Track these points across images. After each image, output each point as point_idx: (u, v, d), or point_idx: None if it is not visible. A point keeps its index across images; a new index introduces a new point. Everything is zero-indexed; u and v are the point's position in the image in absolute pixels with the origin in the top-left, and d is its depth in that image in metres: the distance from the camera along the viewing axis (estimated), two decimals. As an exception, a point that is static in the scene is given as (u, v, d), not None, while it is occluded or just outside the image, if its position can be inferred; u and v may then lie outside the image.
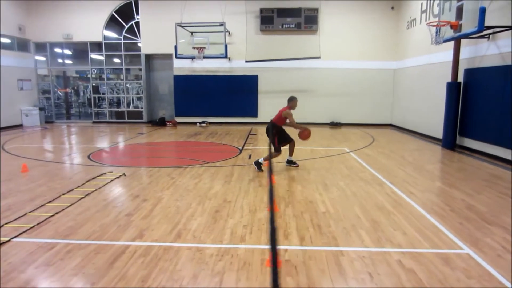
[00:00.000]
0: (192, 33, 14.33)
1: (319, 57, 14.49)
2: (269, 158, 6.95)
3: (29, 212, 4.79)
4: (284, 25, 15.00)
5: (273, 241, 2.74)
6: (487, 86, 8.91)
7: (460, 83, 9.91)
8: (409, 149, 9.95)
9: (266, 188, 5.98)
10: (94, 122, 16.73)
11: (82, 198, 5.41)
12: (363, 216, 4.70)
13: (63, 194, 5.60)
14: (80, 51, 16.84)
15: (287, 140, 7.42)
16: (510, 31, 7.95)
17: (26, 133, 13.27)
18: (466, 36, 8.42)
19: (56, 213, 4.76)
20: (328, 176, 6.81)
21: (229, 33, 15.02)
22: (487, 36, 8.84)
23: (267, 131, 7.36)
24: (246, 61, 14.78)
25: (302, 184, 6.24)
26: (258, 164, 7.12)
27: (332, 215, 4.77)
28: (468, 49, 9.77)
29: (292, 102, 7.30)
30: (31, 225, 4.34)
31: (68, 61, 17.82)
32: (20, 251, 3.69)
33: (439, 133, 10.85)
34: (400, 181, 6.49)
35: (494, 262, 3.51)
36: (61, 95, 18.34)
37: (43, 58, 16.61)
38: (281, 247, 3.79)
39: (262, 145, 10.46)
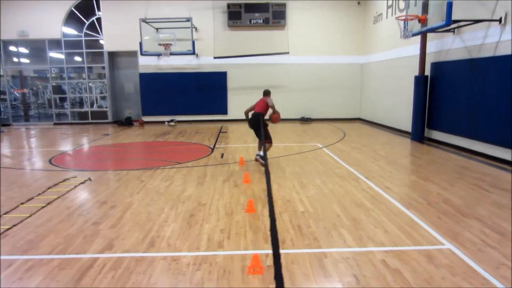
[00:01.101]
0: (157, 29, 13.82)
1: (287, 53, 14.41)
2: (265, 150, 6.64)
3: (-18, 226, 4.34)
4: (252, 21, 14.80)
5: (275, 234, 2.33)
6: (453, 79, 9.13)
7: (427, 76, 10.11)
8: (380, 143, 10.06)
9: (242, 188, 5.78)
10: (55, 124, 15.86)
11: (43, 207, 4.98)
12: (342, 214, 4.61)
13: (22, 203, 5.15)
14: (38, 49, 15.86)
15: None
16: (474, 24, 8.14)
17: (-20, 137, 12.33)
18: (434, 30, 8.55)
19: (14, 225, 4.34)
20: (304, 174, 6.70)
21: (196, 29, 14.63)
22: (452, 30, 9.04)
23: (255, 123, 7.23)
24: (214, 57, 14.46)
25: (278, 183, 6.09)
26: (261, 157, 7.31)
27: (312, 214, 4.64)
28: (434, 43, 9.98)
29: (270, 93, 7.74)
30: (-15, 241, 3.92)
31: (24, 60, 16.74)
32: (-29, 272, 3.29)
33: (407, 126, 11.05)
34: (376, 176, 6.48)
35: (476, 257, 3.50)
36: (18, 96, 17.24)
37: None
38: (262, 251, 3.61)
39: (233, 143, 10.24)
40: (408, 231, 4.09)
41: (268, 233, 4.07)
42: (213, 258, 3.51)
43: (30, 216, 4.65)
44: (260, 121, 7.11)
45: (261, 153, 7.38)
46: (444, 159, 7.99)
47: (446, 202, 5.09)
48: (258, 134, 7.33)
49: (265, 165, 4.79)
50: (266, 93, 7.66)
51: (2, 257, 3.57)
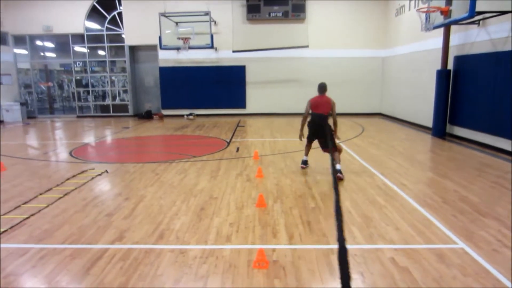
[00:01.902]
0: (176, 23, 13.92)
1: (307, 46, 14.24)
2: (337, 158, 6.06)
3: (2, 215, 4.52)
4: (271, 14, 14.67)
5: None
6: (477, 74, 8.80)
7: (450, 70, 9.79)
8: (399, 139, 9.83)
9: (254, 183, 5.77)
10: (78, 117, 16.29)
11: (60, 197, 5.14)
12: (354, 211, 4.54)
13: (41, 194, 5.33)
14: (63, 43, 16.28)
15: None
16: (500, 16, 7.79)
17: (7, 129, 12.82)
18: (457, 22, 8.26)
19: (32, 215, 4.50)
20: (318, 169, 6.63)
21: (215, 22, 14.64)
22: (477, 22, 8.68)
23: (320, 127, 6.06)
24: (233, 51, 14.45)
25: (291, 178, 6.05)
26: (339, 172, 5.95)
27: (322, 210, 4.59)
28: (458, 36, 9.62)
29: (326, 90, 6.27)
30: (4, 229, 4.07)
31: (50, 54, 17.24)
32: (-11, 259, 3.43)
33: (429, 121, 10.74)
34: (391, 172, 6.35)
35: (490, 258, 3.37)
36: (44, 89, 17.79)
37: (24, 52, 16.03)
38: (269, 246, 3.60)
39: (250, 137, 10.24)
40: (420, 229, 3.98)
41: (277, 227, 4.06)
42: (220, 252, 3.52)
43: (47, 206, 4.80)
44: (327, 125, 5.99)
45: (338, 166, 5.99)
46: (465, 156, 7.73)
47: (463, 200, 4.93)
48: (323, 142, 6.19)
49: (334, 180, 4.55)
50: (324, 89, 6.22)
51: (19, 245, 3.71)
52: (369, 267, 3.21)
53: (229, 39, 14.64)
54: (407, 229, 4.00)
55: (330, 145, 5.98)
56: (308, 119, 6.33)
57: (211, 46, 13.66)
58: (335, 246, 3.61)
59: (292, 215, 4.44)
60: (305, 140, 6.59)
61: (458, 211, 4.55)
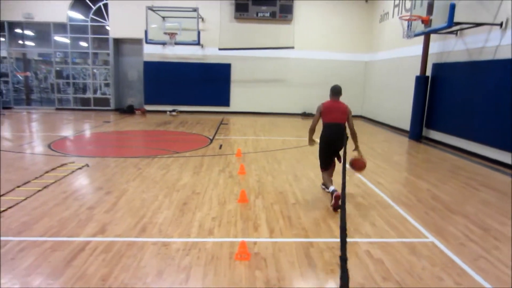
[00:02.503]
0: (163, 17, 13.83)
1: (293, 47, 14.40)
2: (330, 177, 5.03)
3: (-20, 206, 4.45)
4: (259, 14, 14.77)
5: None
6: (453, 81, 9.15)
7: (428, 77, 10.13)
8: (378, 141, 10.11)
9: (237, 179, 5.86)
10: (57, 109, 15.96)
11: (39, 190, 5.08)
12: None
13: (18, 186, 5.25)
14: (43, 32, 15.89)
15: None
16: (476, 28, 8.12)
17: (-18, 120, 12.46)
18: (436, 31, 8.57)
19: (9, 207, 4.44)
20: (299, 167, 6.78)
21: (203, 19, 14.62)
22: (455, 32, 9.03)
23: (338, 139, 4.84)
24: (220, 49, 14.48)
25: (273, 175, 6.17)
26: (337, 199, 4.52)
27: (302, 206, 4.73)
28: (437, 44, 9.97)
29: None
30: (-18, 220, 4.02)
31: (29, 43, 16.79)
32: (-33, 249, 3.40)
33: (407, 125, 11.08)
34: (369, 172, 6.55)
35: (456, 250, 3.59)
36: (21, 79, 17.33)
37: (1, 39, 15.56)
38: (250, 239, 3.70)
39: (233, 135, 10.31)
40: (394, 225, 4.17)
41: (258, 222, 4.16)
42: (203, 244, 3.60)
43: (25, 199, 4.75)
44: (345, 138, 4.84)
45: (331, 187, 4.73)
46: (439, 158, 8.05)
47: (435, 199, 5.16)
48: (331, 158, 5.02)
49: (342, 197, 3.12)
50: (339, 92, 5.03)
51: (-2, 236, 3.68)
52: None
53: (216, 36, 14.65)
54: (382, 225, 4.17)
55: (341, 159, 4.84)
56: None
57: (198, 43, 13.64)
58: (314, 240, 3.76)
59: (273, 210, 4.55)
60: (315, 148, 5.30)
61: (430, 208, 4.77)
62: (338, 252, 3.47)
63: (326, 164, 5.07)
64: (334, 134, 4.88)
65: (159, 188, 5.33)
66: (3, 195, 4.87)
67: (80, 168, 6.27)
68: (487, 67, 7.85)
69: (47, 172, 6.00)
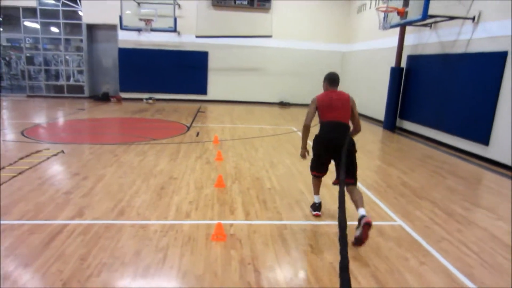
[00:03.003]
0: (139, 3, 13.55)
1: (270, 36, 14.44)
2: (359, 198, 3.64)
3: (-49, 191, 4.37)
4: (237, 1, 14.69)
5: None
6: (426, 73, 9.48)
7: (403, 68, 10.44)
8: (352, 130, 10.38)
9: (214, 165, 5.95)
10: (28, 96, 15.46)
11: (14, 176, 5.02)
12: (307, 192, 4.87)
13: (-8, 171, 5.17)
14: (11, 16, 15.27)
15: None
16: (450, 21, 8.42)
17: None
18: (411, 23, 8.83)
19: (-16, 191, 4.39)
20: (275, 155, 6.93)
21: (179, 5, 14.42)
22: (429, 24, 9.32)
23: (337, 146, 3.69)
24: (196, 36, 14.35)
25: (250, 162, 6.30)
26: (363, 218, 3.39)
27: (278, 191, 4.89)
28: (412, 36, 10.26)
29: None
30: (-46, 205, 3.97)
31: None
32: None
33: (381, 115, 11.41)
34: (343, 159, 6.77)
35: (421, 232, 3.83)
36: (-11, 65, 16.65)
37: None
38: (226, 222, 3.82)
39: (210, 123, 10.35)
40: (365, 209, 4.37)
41: (235, 205, 4.29)
42: (180, 226, 3.70)
43: (0, 185, 4.69)
44: (350, 141, 3.74)
45: (361, 210, 3.51)
46: (410, 147, 8.39)
47: (405, 185, 5.43)
48: (328, 161, 3.98)
49: (342, 228, 2.60)
50: (337, 81, 4.04)
51: (-28, 220, 3.65)
52: (317, 239, 3.54)
53: (193, 23, 14.50)
54: (353, 208, 4.37)
55: (351, 173, 3.71)
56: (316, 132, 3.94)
57: (174, 30, 13.48)
58: (288, 222, 3.92)
59: (249, 194, 4.68)
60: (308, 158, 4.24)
61: (399, 194, 5.03)
62: (311, 234, 3.66)
63: (320, 168, 4.02)
64: (334, 135, 3.75)
65: (136, 173, 5.36)
66: (-25, 180, 4.79)
67: (55, 155, 6.20)
68: (458, 59, 8.18)
69: (21, 158, 5.89)
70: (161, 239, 3.41)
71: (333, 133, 3.80)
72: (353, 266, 3.10)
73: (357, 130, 4.05)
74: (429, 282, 2.94)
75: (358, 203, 3.58)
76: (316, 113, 3.96)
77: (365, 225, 3.26)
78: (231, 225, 3.77)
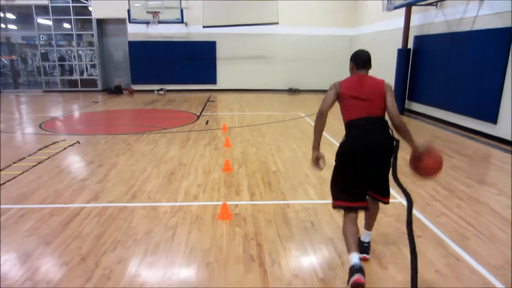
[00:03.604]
0: (146, -4, 13.74)
1: (277, 23, 14.43)
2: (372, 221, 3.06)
3: (-23, 181, 4.69)
4: (242, -10, 14.69)
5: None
6: (434, 53, 9.41)
7: (410, 49, 10.37)
8: (361, 113, 10.42)
9: (222, 151, 6.15)
10: (45, 91, 15.92)
11: (34, 166, 5.33)
12: (311, 174, 5.03)
13: (14, 162, 5.48)
14: (25, 15, 15.66)
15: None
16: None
17: (-31, 103, 12.46)
18: (415, 3, 8.77)
19: (8, 180, 4.70)
20: (282, 139, 7.08)
21: (185, -3, 14.54)
22: (435, 3, 9.23)
23: (378, 150, 2.70)
24: (204, 27, 14.45)
25: (257, 147, 6.48)
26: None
27: (282, 173, 5.06)
28: (418, 16, 10.17)
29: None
30: (-20, 193, 4.28)
31: (11, 26, 16.54)
32: (-30, 217, 3.67)
33: (389, 97, 11.36)
34: (349, 142, 6.89)
35: (422, 209, 3.96)
36: (6, 63, 17.17)
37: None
38: (232, 202, 4.03)
39: (220, 111, 10.54)
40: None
41: (240, 187, 4.48)
42: (188, 207, 3.92)
43: (22, 173, 5.00)
44: (393, 146, 2.75)
45: (365, 236, 3.05)
46: (419, 129, 8.41)
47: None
48: (381, 183, 2.91)
49: (412, 249, 2.40)
50: (368, 62, 2.88)
51: (-3, 205, 3.95)
52: (318, 217, 3.71)
53: (200, 14, 14.58)
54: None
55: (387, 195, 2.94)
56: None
57: (181, 21, 13.64)
58: (292, 202, 4.10)
59: (255, 177, 4.87)
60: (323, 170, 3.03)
61: (403, 174, 5.06)
62: (313, 212, 3.83)
63: (352, 197, 2.73)
64: (370, 140, 2.62)
65: (147, 160, 5.61)
66: (1, 170, 5.12)
67: (71, 145, 6.50)
68: (465, 38, 8.11)
69: (40, 149, 6.21)
70: (170, 219, 3.64)
71: (372, 135, 2.61)
72: (351, 239, 3.27)
73: (397, 126, 2.67)
74: (424, 253, 3.08)
75: (370, 224, 3.06)
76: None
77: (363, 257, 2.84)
78: (236, 205, 3.97)
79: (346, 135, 2.75)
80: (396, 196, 4.30)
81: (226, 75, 15.64)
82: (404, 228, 3.50)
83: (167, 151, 6.17)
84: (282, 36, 15.44)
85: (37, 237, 3.28)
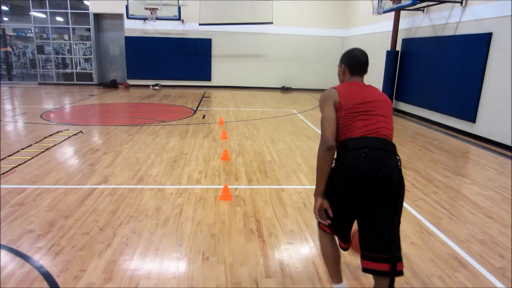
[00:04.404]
0: (144, -8, 14.00)
1: (271, 23, 14.84)
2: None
3: (-9, 164, 4.99)
4: (238, -11, 15.06)
5: None
6: (420, 55, 9.94)
7: (398, 51, 10.88)
8: (350, 112, 10.90)
9: (219, 143, 6.54)
10: (40, 84, 16.06)
11: (42, 152, 5.64)
12: (303, 164, 5.45)
13: (22, 149, 5.78)
14: (20, 7, 15.78)
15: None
16: (441, 4, 8.84)
17: (-34, 93, 12.59)
18: (403, 8, 9.26)
19: (19, 164, 5.01)
20: (276, 133, 7.49)
21: (182, -6, 14.84)
22: (422, 9, 9.74)
23: (386, 181, 1.91)
24: (200, 24, 14.79)
25: (252, 139, 6.87)
26: None
27: (277, 162, 5.47)
28: (406, 21, 10.69)
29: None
30: (-4, 174, 4.59)
31: (5, 19, 16.64)
32: (-9, 195, 3.99)
33: (378, 97, 11.87)
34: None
35: (401, 194, 4.40)
36: (1, 55, 17.25)
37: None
38: (232, 186, 4.42)
39: (215, 107, 10.91)
40: None
41: (239, 174, 4.88)
42: (192, 190, 4.30)
43: (31, 158, 5.31)
44: (402, 180, 1.99)
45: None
46: (404, 126, 8.91)
47: (392, 157, 5.99)
48: (379, 223, 1.97)
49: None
50: (365, 66, 2.23)
51: (15, 186, 4.27)
52: (310, 199, 4.13)
53: (196, 11, 14.91)
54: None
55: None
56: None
57: (179, 18, 13.94)
58: (286, 186, 4.51)
59: (252, 166, 5.27)
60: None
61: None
62: (305, 195, 4.25)
63: (342, 229, 2.22)
64: (380, 169, 1.93)
65: (150, 149, 5.96)
66: (10, 155, 5.41)
67: (75, 134, 6.81)
68: (448, 42, 8.63)
69: (45, 137, 6.51)
70: (177, 199, 4.02)
71: (382, 163, 1.95)
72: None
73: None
74: (401, 230, 3.51)
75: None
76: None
77: None
78: (236, 189, 4.37)
79: (343, 158, 2.03)
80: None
81: (221, 72, 16.00)
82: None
83: (168, 141, 6.52)
84: (276, 35, 15.86)
85: (56, 212, 3.62)
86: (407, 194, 4.37)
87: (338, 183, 2.02)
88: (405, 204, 4.11)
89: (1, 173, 4.65)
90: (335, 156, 2.05)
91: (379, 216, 1.96)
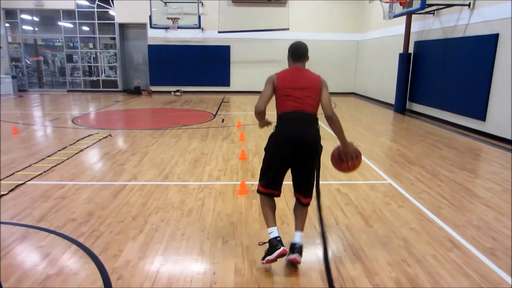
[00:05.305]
0: (166, 3, 14.70)
1: (287, 29, 15.29)
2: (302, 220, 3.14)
3: (33, 164, 5.59)
4: (255, -3, 15.59)
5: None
6: (431, 57, 10.14)
7: (410, 54, 11.10)
8: (365, 114, 11.18)
9: (238, 144, 6.98)
10: (68, 91, 16.99)
11: (77, 153, 6.22)
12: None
13: (59, 150, 6.38)
14: (48, 18, 16.76)
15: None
16: (450, 8, 9.06)
17: (2, 100, 13.51)
18: (413, 12, 9.52)
19: (58, 164, 5.58)
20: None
21: (202, 3, 15.47)
22: (432, 12, 9.96)
23: (300, 147, 2.85)
24: (219, 32, 15.37)
25: (257, 142, 7.27)
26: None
27: (291, 161, 5.85)
28: (417, 24, 10.91)
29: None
30: (39, 173, 5.16)
31: (29, 28, 17.64)
32: (36, 190, 4.54)
33: (393, 99, 12.11)
34: (351, 137, 7.62)
35: (406, 188, 4.72)
36: (30, 64, 18.29)
37: (7, 25, 16.43)
38: (249, 182, 4.84)
39: (234, 111, 11.39)
40: (362, 172, 5.30)
41: (255, 172, 5.30)
42: (212, 185, 4.74)
43: (68, 158, 5.89)
44: (317, 141, 2.95)
45: (297, 238, 2.98)
46: (415, 126, 9.14)
47: (401, 155, 6.28)
48: (304, 176, 3.04)
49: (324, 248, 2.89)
50: (304, 52, 3.16)
51: (56, 182, 4.82)
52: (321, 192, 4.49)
53: (215, 20, 15.52)
54: (352, 172, 5.30)
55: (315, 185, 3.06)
56: (272, 124, 3.01)
57: (199, 27, 14.55)
58: (297, 182, 4.89)
59: (254, 162, 5.66)
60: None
61: (395, 161, 5.89)
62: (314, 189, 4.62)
63: (273, 182, 3.01)
64: (298, 133, 2.78)
65: (173, 150, 6.46)
66: (48, 156, 6.01)
67: (104, 138, 7.39)
68: (458, 43, 8.83)
69: (78, 140, 7.12)
70: (199, 193, 4.47)
71: (298, 129, 2.76)
72: (344, 207, 4.06)
73: (329, 117, 2.85)
74: (402, 217, 3.85)
75: (299, 225, 3.08)
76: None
77: (294, 260, 2.83)
78: (252, 184, 4.78)
79: (277, 127, 2.89)
80: (386, 178, 5.07)
81: (239, 77, 16.51)
82: (389, 200, 4.28)
83: (189, 143, 7.01)
84: (292, 41, 16.10)
85: (94, 204, 4.13)
86: (411, 188, 4.69)
87: (275, 141, 2.92)
88: (408, 196, 4.42)
89: (1, 176, 5.22)
90: (275, 124, 2.95)
91: (299, 166, 2.93)
